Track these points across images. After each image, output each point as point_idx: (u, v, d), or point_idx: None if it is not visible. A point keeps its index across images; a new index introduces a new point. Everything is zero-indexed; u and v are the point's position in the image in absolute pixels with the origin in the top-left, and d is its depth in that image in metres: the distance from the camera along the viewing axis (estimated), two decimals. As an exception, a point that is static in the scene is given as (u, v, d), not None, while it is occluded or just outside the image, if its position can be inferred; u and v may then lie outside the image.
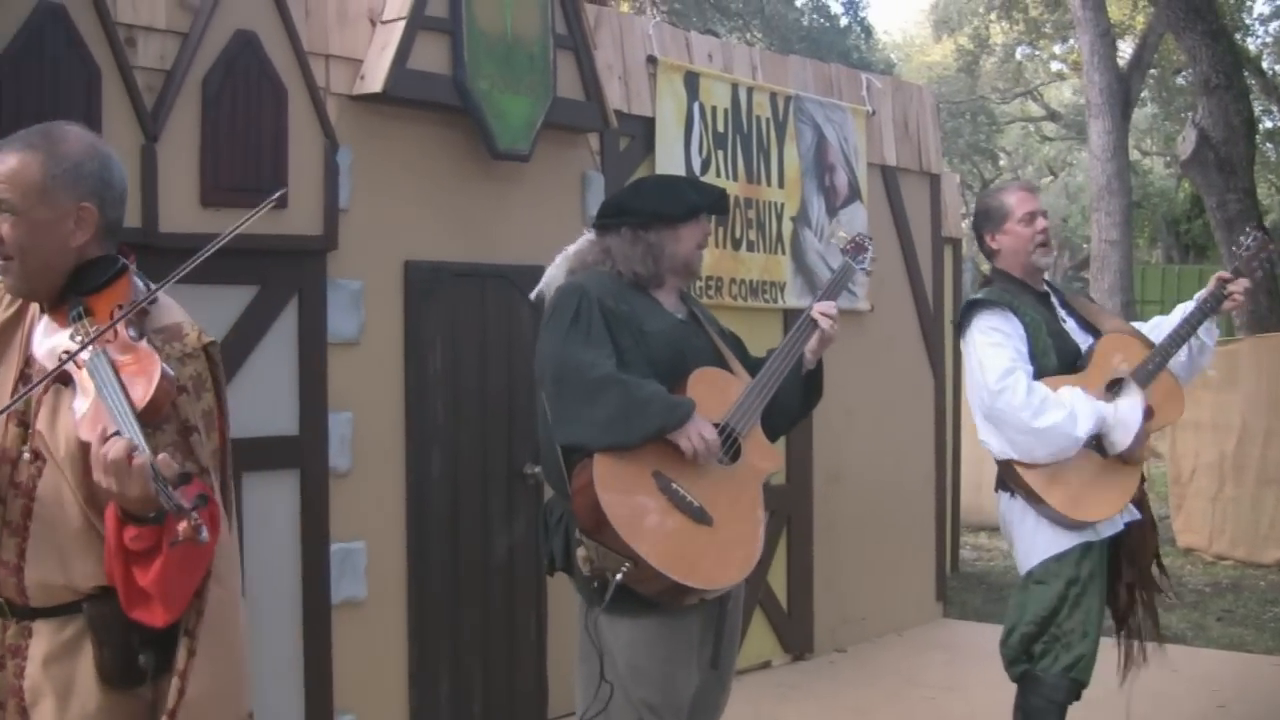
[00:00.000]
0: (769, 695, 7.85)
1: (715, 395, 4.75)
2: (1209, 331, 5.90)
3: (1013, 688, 5.70)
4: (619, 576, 4.44)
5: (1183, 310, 5.88)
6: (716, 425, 4.68)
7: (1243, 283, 5.82)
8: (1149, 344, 5.76)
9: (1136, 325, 6.00)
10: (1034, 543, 5.59)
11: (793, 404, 5.08)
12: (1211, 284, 5.87)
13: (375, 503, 6.20)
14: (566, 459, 4.64)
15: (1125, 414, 5.50)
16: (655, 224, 4.88)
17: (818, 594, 8.73)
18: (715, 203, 5.09)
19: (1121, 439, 5.47)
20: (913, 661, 8.70)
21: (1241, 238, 6.04)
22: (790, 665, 8.58)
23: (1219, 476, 13.35)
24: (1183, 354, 5.82)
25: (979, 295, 5.78)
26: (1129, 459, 5.54)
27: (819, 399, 5.26)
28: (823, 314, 5.02)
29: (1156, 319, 6.05)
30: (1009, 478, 5.59)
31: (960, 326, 5.76)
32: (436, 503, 6.42)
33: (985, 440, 5.62)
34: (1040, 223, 5.77)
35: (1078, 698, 5.59)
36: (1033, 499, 5.51)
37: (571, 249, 5.08)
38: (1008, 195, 5.85)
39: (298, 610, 5.89)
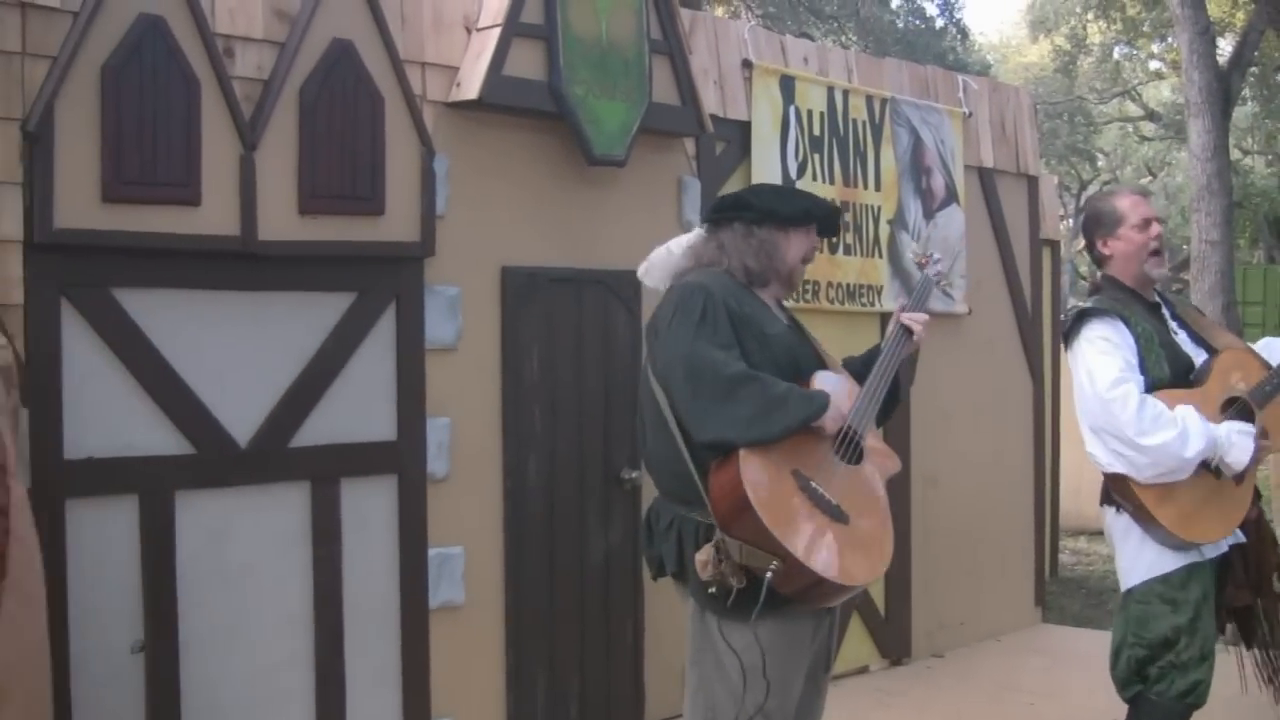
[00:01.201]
0: (866, 700, 7.82)
1: (834, 398, 4.75)
2: None
3: (1113, 693, 5.63)
4: (769, 575, 4.42)
5: None
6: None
7: None
8: (1265, 364, 5.63)
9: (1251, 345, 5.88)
10: (1137, 561, 5.48)
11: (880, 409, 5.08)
12: None
13: (472, 508, 6.23)
14: (698, 460, 4.62)
15: (1238, 436, 5.35)
16: (767, 222, 4.92)
17: (915, 599, 8.69)
18: (827, 215, 5.12)
19: (1236, 461, 5.33)
20: (1010, 666, 8.64)
21: None
22: (887, 670, 8.54)
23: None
24: None
25: (1088, 304, 5.64)
26: (1241, 481, 5.45)
27: (898, 405, 5.25)
28: (914, 321, 5.04)
29: (1266, 340, 5.91)
30: (1119, 492, 5.48)
31: (1068, 336, 5.62)
32: (533, 508, 6.44)
33: (1092, 452, 5.49)
34: (1155, 228, 5.63)
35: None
36: (1142, 515, 5.39)
37: (685, 240, 5.11)
38: (1121, 199, 5.72)
39: (395, 615, 5.92)
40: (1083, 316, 5.56)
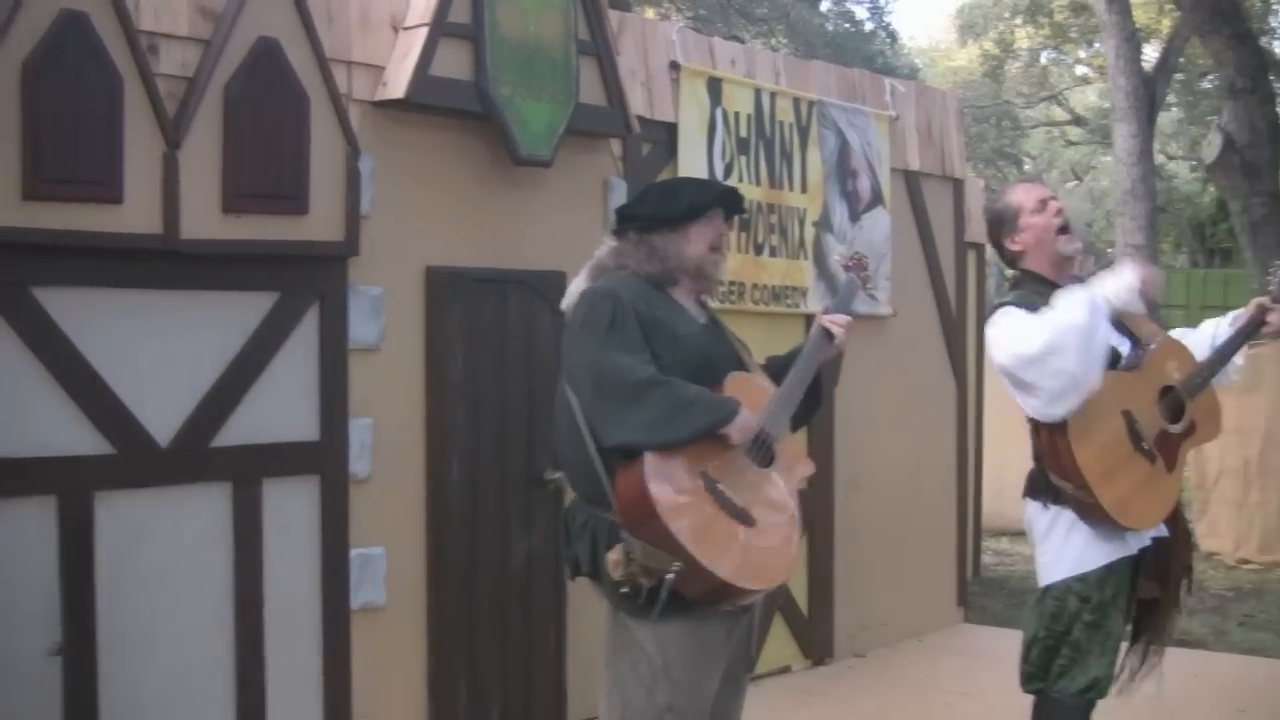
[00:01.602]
0: (788, 700, 7.84)
1: (747, 400, 4.73)
2: (1240, 351, 5.85)
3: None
4: (670, 576, 4.43)
5: (1213, 326, 5.83)
6: None
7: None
8: (1191, 356, 5.69)
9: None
10: (1061, 556, 5.48)
11: (800, 409, 5.05)
12: (1251, 309, 5.76)
13: (395, 508, 6.21)
14: (606, 462, 4.63)
15: (1108, 275, 5.39)
16: (659, 226, 4.88)
17: (837, 599, 8.73)
18: (717, 199, 5.03)
19: (1121, 284, 5.31)
20: (931, 667, 8.69)
21: (1271, 267, 5.95)
22: (809, 670, 8.57)
23: (1244, 481, 13.35)
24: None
25: (1007, 299, 5.61)
26: (1173, 467, 5.50)
27: (819, 407, 5.28)
28: (835, 324, 5.02)
29: (1181, 329, 6.00)
30: (1057, 470, 5.41)
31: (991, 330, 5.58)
32: (455, 508, 6.42)
33: (1033, 407, 5.36)
34: (1054, 205, 5.61)
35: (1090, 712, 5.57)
36: (1083, 493, 5.34)
37: (598, 254, 5.08)
38: (1013, 193, 5.73)
39: (317, 616, 5.89)
40: (996, 310, 5.57)
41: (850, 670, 8.64)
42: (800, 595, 8.49)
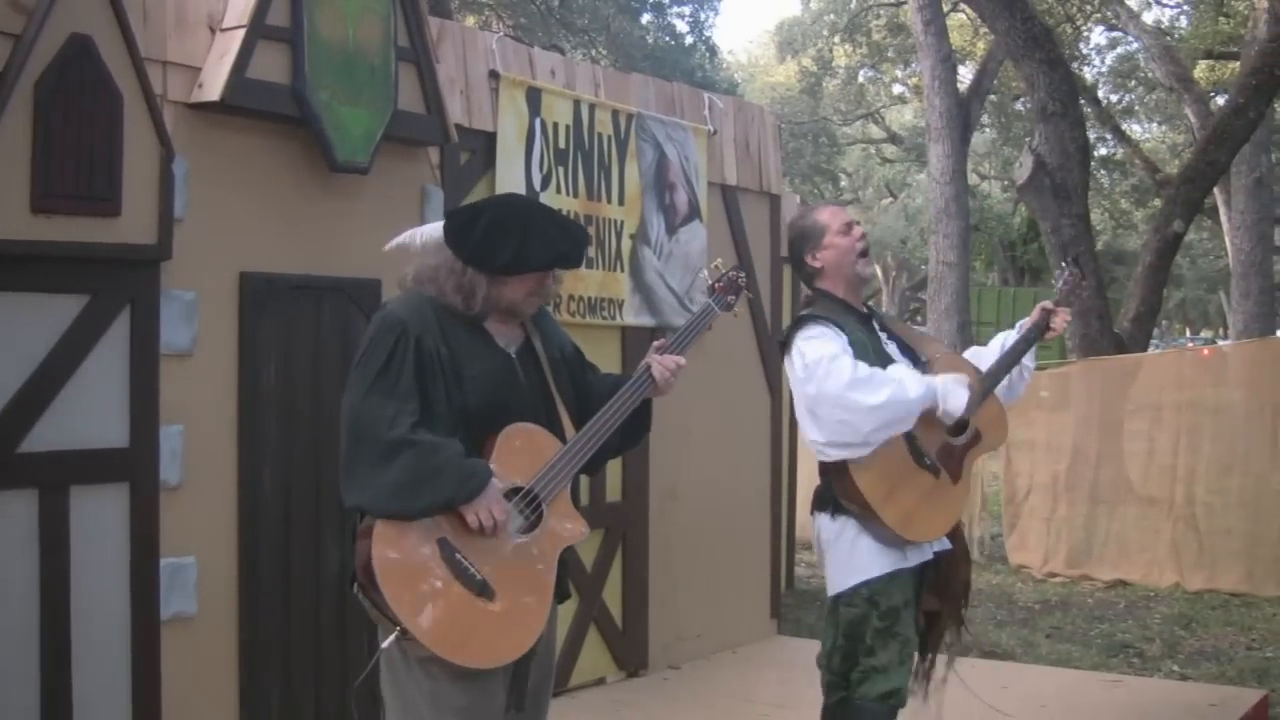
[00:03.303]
0: (602, 712, 7.84)
1: (527, 454, 4.59)
2: (1030, 357, 6.04)
3: None
4: (386, 644, 4.40)
5: (1001, 339, 6.01)
6: (520, 489, 4.54)
7: (1064, 313, 5.99)
8: (976, 369, 5.83)
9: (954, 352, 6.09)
10: (849, 566, 5.61)
11: (615, 442, 4.89)
12: (1036, 313, 6.00)
13: (206, 517, 6.11)
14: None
15: (954, 385, 5.54)
16: (477, 268, 4.63)
17: (652, 611, 8.75)
18: (556, 260, 4.73)
19: (955, 406, 5.52)
20: (746, 678, 8.73)
21: (1057, 272, 6.22)
22: (624, 682, 8.57)
23: (1052, 496, 13.62)
24: (1004, 379, 5.92)
25: (803, 313, 5.78)
26: (958, 478, 5.61)
27: (645, 434, 5.16)
28: (664, 368, 4.86)
29: (974, 349, 6.16)
30: (842, 493, 5.57)
31: (784, 345, 5.72)
32: (268, 517, 6.34)
33: (813, 439, 5.54)
34: (857, 230, 5.79)
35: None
36: (867, 514, 5.49)
37: (428, 236, 4.96)
38: (820, 213, 5.87)
39: (126, 627, 5.77)
40: (798, 323, 5.69)
41: (665, 682, 8.66)
42: (615, 606, 8.50)
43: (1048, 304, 6.02)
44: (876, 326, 5.86)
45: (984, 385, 5.76)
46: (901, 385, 5.41)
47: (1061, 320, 5.95)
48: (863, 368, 5.42)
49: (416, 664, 4.49)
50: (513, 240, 4.62)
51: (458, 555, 4.40)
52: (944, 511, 5.66)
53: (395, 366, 4.46)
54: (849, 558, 5.61)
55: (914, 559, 5.61)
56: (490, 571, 4.44)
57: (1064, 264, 6.32)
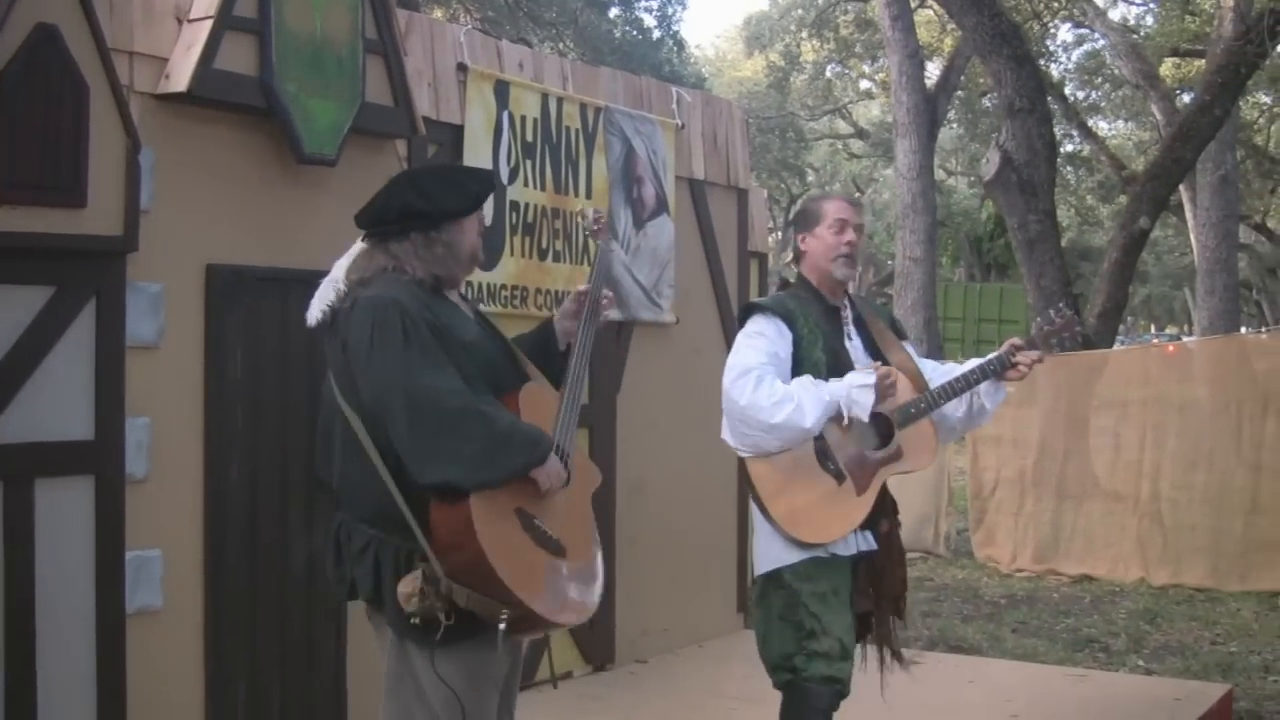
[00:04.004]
0: (569, 706, 7.83)
1: (541, 410, 4.67)
2: (992, 394, 5.90)
3: None
4: (503, 625, 4.37)
5: (970, 365, 5.90)
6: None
7: (1033, 355, 5.81)
8: (924, 386, 5.79)
9: (930, 364, 6.00)
10: (769, 546, 5.64)
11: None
12: (1003, 348, 5.87)
13: (172, 510, 6.08)
14: (406, 490, 4.46)
15: (858, 391, 5.49)
16: (445, 222, 4.74)
17: (619, 604, 8.74)
18: (491, 186, 5.02)
19: (860, 412, 5.49)
20: (713, 672, 8.73)
21: (1051, 311, 6.01)
22: (591, 676, 8.58)
23: (1019, 491, 13.68)
24: (961, 409, 5.88)
25: (760, 300, 5.87)
26: (863, 491, 5.60)
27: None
28: (601, 302, 5.10)
29: (950, 365, 6.09)
30: (746, 481, 5.65)
31: (739, 325, 5.80)
32: (235, 510, 6.32)
33: (724, 437, 5.65)
34: (848, 234, 5.75)
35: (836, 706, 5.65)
36: (759, 504, 5.56)
37: (344, 263, 4.89)
38: (828, 202, 5.85)
39: (90, 620, 5.74)
40: (748, 310, 5.77)
41: (632, 676, 8.66)
42: (582, 600, 8.48)
43: (1017, 341, 5.90)
44: (848, 320, 5.85)
45: (920, 405, 5.72)
46: (800, 409, 5.42)
47: (1027, 360, 5.78)
48: (767, 384, 5.46)
49: (427, 650, 4.49)
50: (465, 180, 4.94)
51: (536, 521, 4.49)
52: (838, 519, 5.59)
53: (416, 340, 4.45)
54: (770, 539, 5.64)
55: (838, 550, 5.60)
56: (558, 531, 4.55)
57: (1060, 305, 6.20)
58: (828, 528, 5.57)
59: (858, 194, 48.86)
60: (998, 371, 5.80)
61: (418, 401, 4.36)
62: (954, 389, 5.77)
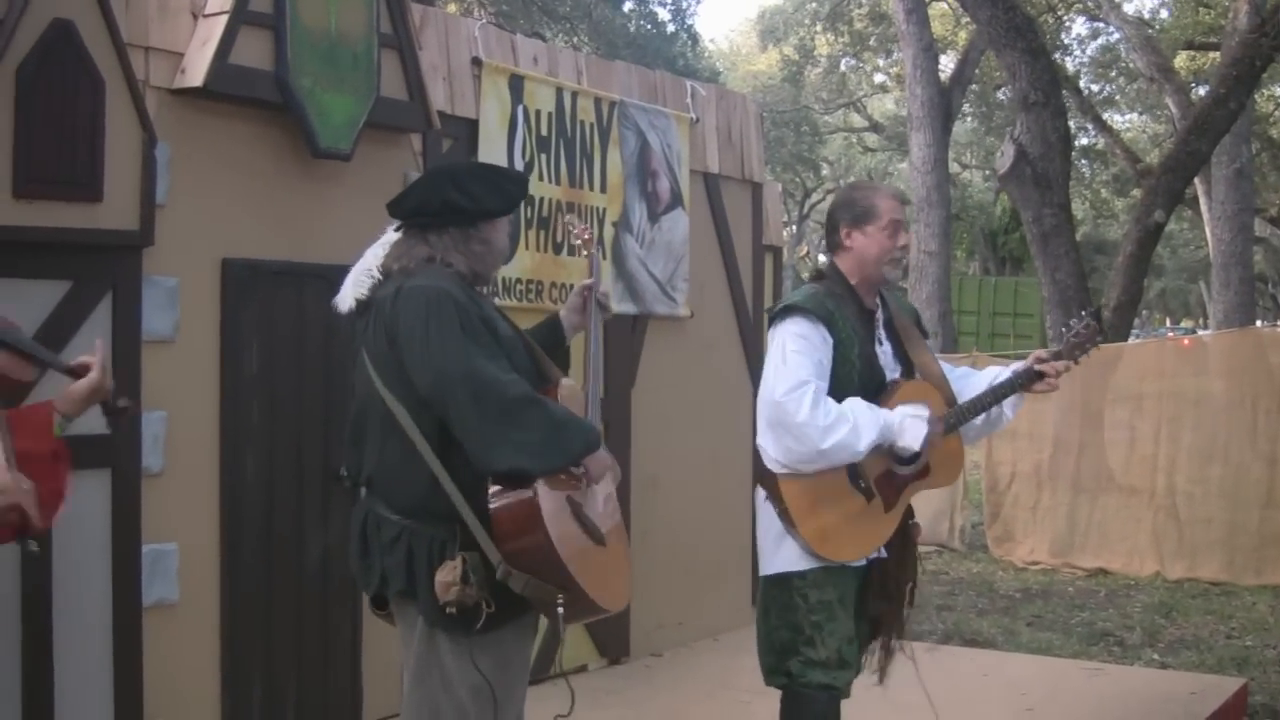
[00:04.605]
0: (584, 700, 7.74)
1: (571, 402, 4.72)
2: (1013, 403, 5.80)
3: None
4: (561, 610, 4.39)
5: (994, 374, 5.79)
6: None
7: (1060, 365, 5.72)
8: (950, 399, 5.67)
9: (947, 368, 5.88)
10: (776, 550, 5.49)
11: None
12: (1029, 361, 5.75)
13: (188, 504, 6.10)
14: (472, 483, 4.45)
15: (911, 421, 5.35)
16: (482, 220, 4.76)
17: (634, 598, 8.70)
18: (526, 189, 5.12)
19: (910, 443, 5.34)
20: (727, 666, 8.72)
21: (1073, 320, 5.93)
22: (606, 669, 8.58)
23: (1035, 485, 13.66)
24: (980, 417, 5.71)
25: (798, 299, 5.49)
26: (891, 507, 5.53)
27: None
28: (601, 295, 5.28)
29: (965, 369, 5.99)
30: (770, 492, 5.46)
31: (772, 321, 5.52)
32: (250, 504, 6.34)
33: (763, 445, 5.40)
34: (902, 237, 5.56)
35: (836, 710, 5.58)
36: (786, 520, 5.39)
37: (378, 252, 4.87)
38: (882, 198, 5.59)
39: (108, 614, 5.76)
40: (787, 311, 5.45)
41: (647, 669, 8.67)
42: (597, 593, 8.49)
43: (1042, 353, 5.80)
44: (880, 322, 5.66)
45: (949, 422, 5.57)
46: (855, 431, 5.23)
47: (1055, 371, 5.69)
48: (825, 406, 5.25)
49: (461, 639, 4.51)
50: (503, 181, 4.97)
51: (584, 510, 4.54)
52: (867, 536, 5.48)
53: (471, 330, 4.47)
54: (777, 544, 5.49)
55: (851, 562, 5.50)
56: (598, 520, 4.62)
57: (1082, 313, 6.10)
58: (856, 547, 5.46)
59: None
60: (1026, 385, 5.72)
61: (483, 390, 4.36)
62: (982, 404, 5.66)
